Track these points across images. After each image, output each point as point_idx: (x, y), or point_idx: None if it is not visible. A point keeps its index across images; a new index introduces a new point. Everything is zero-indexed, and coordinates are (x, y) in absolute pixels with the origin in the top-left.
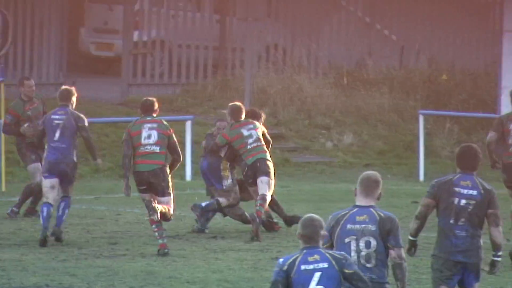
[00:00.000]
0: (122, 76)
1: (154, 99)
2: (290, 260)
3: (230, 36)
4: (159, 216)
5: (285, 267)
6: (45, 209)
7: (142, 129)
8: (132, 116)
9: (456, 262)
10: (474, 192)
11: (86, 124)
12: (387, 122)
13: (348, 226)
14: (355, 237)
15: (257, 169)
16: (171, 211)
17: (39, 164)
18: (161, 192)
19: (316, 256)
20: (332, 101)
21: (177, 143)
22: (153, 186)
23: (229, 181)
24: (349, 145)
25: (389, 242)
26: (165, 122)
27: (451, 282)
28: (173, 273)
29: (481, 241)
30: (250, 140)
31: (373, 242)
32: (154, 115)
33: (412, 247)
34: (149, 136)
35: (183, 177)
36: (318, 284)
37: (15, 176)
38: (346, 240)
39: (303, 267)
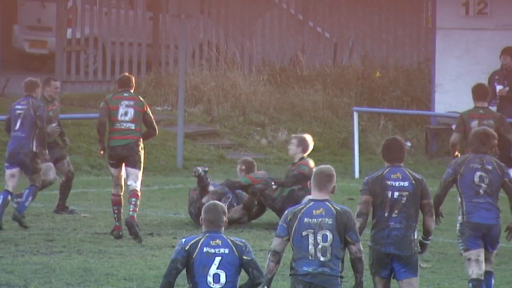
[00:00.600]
0: (56, 73)
1: (131, 76)
2: (193, 241)
3: (163, 33)
4: (121, 196)
5: (187, 247)
6: (1, 196)
7: (119, 105)
8: (66, 113)
9: (387, 253)
10: (406, 183)
11: (44, 114)
12: (322, 119)
13: (306, 219)
14: (312, 230)
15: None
16: (138, 186)
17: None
18: (132, 163)
19: (218, 241)
20: (267, 98)
21: (152, 118)
22: (125, 158)
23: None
24: (284, 142)
25: (350, 237)
26: (141, 99)
27: (384, 272)
28: (110, 270)
29: (415, 234)
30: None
31: (330, 236)
32: (131, 90)
33: None
34: (125, 113)
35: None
36: (218, 268)
37: None
38: (304, 233)
39: (205, 249)
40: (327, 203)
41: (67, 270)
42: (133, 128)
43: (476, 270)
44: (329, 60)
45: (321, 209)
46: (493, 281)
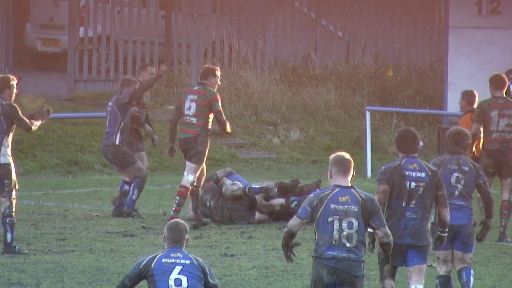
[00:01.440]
0: (68, 72)
1: (213, 67)
2: (149, 257)
3: (176, 32)
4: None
5: (142, 264)
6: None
7: (185, 99)
8: (79, 112)
9: (404, 245)
10: (423, 174)
11: (8, 109)
12: (334, 118)
13: (332, 206)
14: (338, 217)
15: None
16: (189, 180)
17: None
18: (189, 157)
19: (179, 254)
20: (279, 97)
21: (219, 111)
22: (185, 152)
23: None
24: (296, 141)
25: (374, 223)
26: (207, 92)
27: (398, 261)
28: (122, 269)
29: (429, 224)
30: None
31: (355, 223)
32: (208, 82)
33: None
34: (189, 108)
35: None
36: (179, 273)
37: None
38: (329, 219)
39: (164, 259)
40: (352, 190)
41: (79, 269)
42: (195, 122)
43: (444, 268)
44: (342, 59)
45: (347, 197)
46: (471, 277)
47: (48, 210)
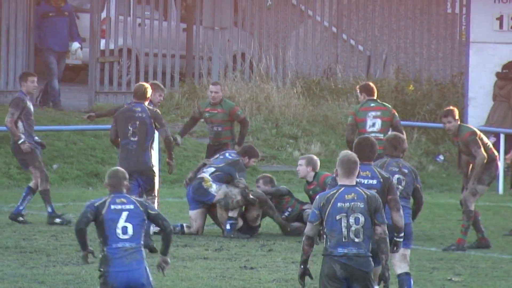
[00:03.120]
0: (89, 84)
1: (369, 84)
2: (101, 201)
3: (197, 45)
4: None
5: (96, 204)
6: None
7: (367, 117)
8: (100, 124)
9: None
10: (374, 181)
11: (155, 113)
12: None
13: (339, 204)
14: (345, 214)
15: None
16: None
17: None
18: None
19: (123, 199)
20: (300, 111)
21: (399, 122)
22: None
23: (214, 187)
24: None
25: (377, 219)
26: (388, 107)
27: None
28: None
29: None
30: None
31: (362, 218)
32: (377, 99)
33: None
34: (373, 124)
35: None
36: (125, 221)
37: None
38: (337, 217)
39: (112, 206)
40: (357, 188)
41: (99, 281)
42: (382, 137)
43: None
44: (363, 73)
45: (353, 194)
46: (411, 282)
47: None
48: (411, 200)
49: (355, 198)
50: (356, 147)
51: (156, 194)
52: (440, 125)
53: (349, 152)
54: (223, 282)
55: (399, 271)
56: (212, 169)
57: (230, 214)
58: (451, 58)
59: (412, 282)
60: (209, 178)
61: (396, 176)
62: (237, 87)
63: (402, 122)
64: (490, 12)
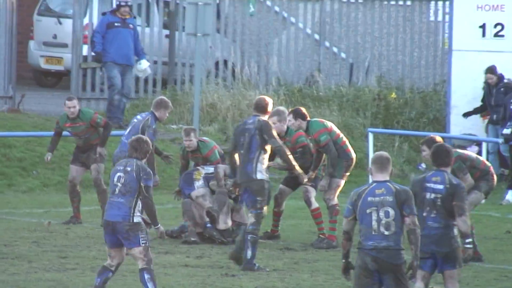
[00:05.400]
0: (71, 90)
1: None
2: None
3: (179, 51)
4: None
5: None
6: None
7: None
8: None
9: (428, 252)
10: (440, 187)
11: (262, 125)
12: None
13: (369, 198)
14: (375, 208)
15: None
16: None
17: None
18: None
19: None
20: None
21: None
22: None
23: (200, 182)
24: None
25: (404, 210)
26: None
27: (424, 266)
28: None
29: (455, 230)
30: None
31: (391, 212)
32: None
33: None
34: None
35: None
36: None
37: None
38: (368, 211)
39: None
40: (388, 183)
41: (80, 287)
42: None
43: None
44: (345, 81)
45: (383, 189)
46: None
47: (49, 228)
48: None
49: (385, 192)
50: (432, 154)
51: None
52: (422, 133)
53: (382, 152)
54: None
55: None
56: (211, 169)
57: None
58: (434, 66)
59: None
60: (203, 173)
61: None
62: (219, 94)
63: (383, 130)
64: (473, 20)
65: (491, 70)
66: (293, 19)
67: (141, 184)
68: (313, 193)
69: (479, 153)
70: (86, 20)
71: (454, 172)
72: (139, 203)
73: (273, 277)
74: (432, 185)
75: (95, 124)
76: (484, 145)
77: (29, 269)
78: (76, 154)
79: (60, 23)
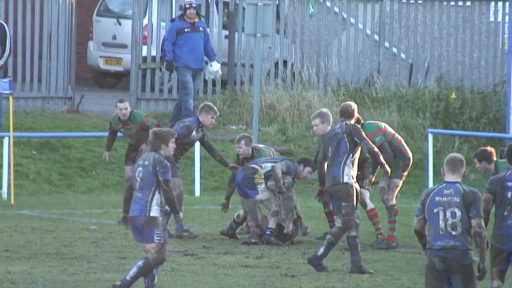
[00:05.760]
0: (130, 90)
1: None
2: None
3: (239, 52)
4: None
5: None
6: None
7: None
8: None
9: (505, 250)
10: None
11: (351, 128)
12: None
13: (437, 198)
14: (442, 208)
15: None
16: None
17: None
18: None
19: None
20: None
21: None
22: None
23: (263, 186)
24: None
25: (471, 212)
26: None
27: (504, 265)
28: None
29: None
30: None
31: (458, 213)
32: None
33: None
34: None
35: (191, 192)
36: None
37: (23, 189)
38: (435, 210)
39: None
40: (457, 184)
41: (140, 287)
42: None
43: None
44: (405, 81)
45: (451, 190)
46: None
47: (109, 228)
48: None
49: (453, 193)
50: (507, 153)
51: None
52: (482, 133)
53: (456, 153)
54: None
55: None
56: (269, 167)
57: (270, 225)
58: (494, 67)
59: None
60: (262, 174)
61: None
62: (278, 94)
63: (443, 131)
64: None
65: None
66: (352, 20)
67: (159, 178)
68: (367, 194)
69: None
70: (145, 21)
71: None
72: (157, 197)
73: (332, 278)
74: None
75: (145, 127)
76: None
77: (88, 269)
78: (128, 154)
79: (119, 23)
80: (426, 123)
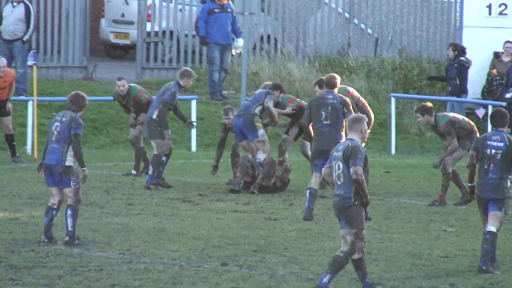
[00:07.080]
0: (137, 61)
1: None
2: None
3: None
4: None
5: None
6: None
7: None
8: None
9: (485, 198)
10: (501, 144)
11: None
12: None
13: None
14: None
15: None
16: None
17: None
18: None
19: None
20: None
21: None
22: None
23: (262, 131)
24: None
25: None
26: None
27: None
28: (181, 230)
29: (508, 182)
30: None
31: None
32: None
33: (472, 191)
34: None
35: (189, 148)
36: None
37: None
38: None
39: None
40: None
41: (144, 229)
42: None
43: None
44: (371, 53)
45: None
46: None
47: (118, 179)
48: None
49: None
50: (492, 116)
51: None
52: (438, 97)
53: (499, 108)
54: (251, 232)
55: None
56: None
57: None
58: (447, 41)
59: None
60: (260, 119)
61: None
62: (263, 64)
63: (404, 95)
64: (481, 0)
65: (453, 45)
66: (326, 0)
67: (71, 132)
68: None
69: (486, 114)
70: (149, 1)
71: (444, 134)
72: (71, 149)
73: (308, 222)
74: (493, 143)
75: (138, 101)
76: (489, 107)
77: (100, 214)
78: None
79: (127, 3)
80: (389, 89)
